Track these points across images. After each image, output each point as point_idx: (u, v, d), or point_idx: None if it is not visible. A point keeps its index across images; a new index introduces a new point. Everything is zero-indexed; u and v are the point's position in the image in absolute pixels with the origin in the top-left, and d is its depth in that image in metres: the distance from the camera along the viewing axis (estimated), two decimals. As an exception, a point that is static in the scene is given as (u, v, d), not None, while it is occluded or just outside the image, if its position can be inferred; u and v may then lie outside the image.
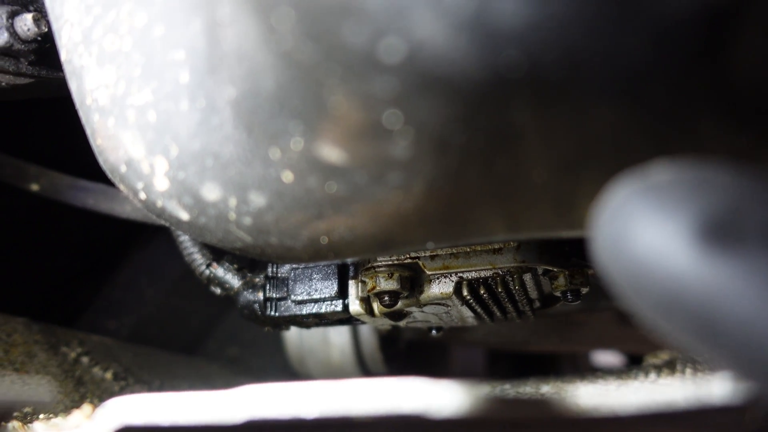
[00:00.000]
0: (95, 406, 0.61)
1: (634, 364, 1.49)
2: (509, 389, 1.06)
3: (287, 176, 0.44)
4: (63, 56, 0.54)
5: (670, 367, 0.93)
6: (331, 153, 0.39)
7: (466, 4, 0.26)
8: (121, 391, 0.94)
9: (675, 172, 0.24)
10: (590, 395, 0.37)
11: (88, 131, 0.54)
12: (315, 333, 1.32)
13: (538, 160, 0.35)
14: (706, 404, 0.35)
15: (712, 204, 0.21)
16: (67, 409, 0.73)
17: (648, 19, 0.26)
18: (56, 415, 0.61)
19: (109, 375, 0.95)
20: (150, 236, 1.45)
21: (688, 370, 0.86)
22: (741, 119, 0.31)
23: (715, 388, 0.35)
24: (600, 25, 0.26)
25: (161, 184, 0.51)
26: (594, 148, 0.33)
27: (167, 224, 0.56)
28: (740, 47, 0.27)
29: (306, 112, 0.38)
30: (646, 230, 0.22)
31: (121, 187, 0.55)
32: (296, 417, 0.39)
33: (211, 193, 0.49)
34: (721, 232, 0.21)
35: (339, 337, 1.30)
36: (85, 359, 0.95)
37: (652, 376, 0.98)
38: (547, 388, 1.06)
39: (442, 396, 0.38)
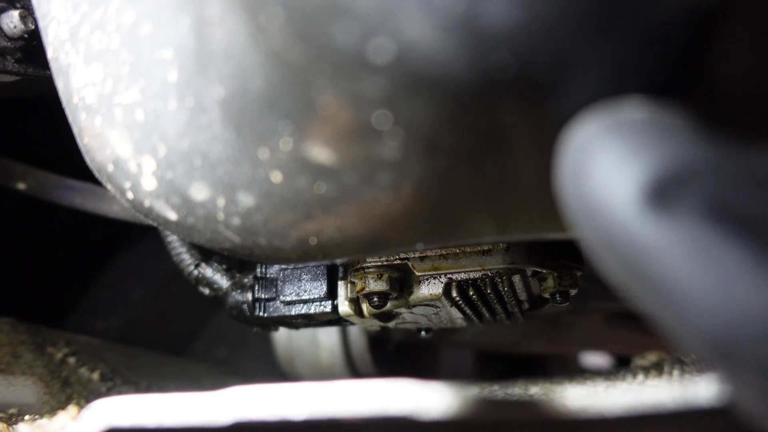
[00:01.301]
0: (81, 407, 0.60)
1: (623, 366, 1.49)
2: (498, 390, 1.06)
3: (276, 176, 0.44)
4: (49, 54, 0.53)
5: (657, 368, 0.94)
6: (321, 153, 0.39)
7: (455, 5, 0.26)
8: (109, 392, 0.93)
9: (645, 112, 0.25)
10: (578, 397, 0.37)
11: (75, 130, 0.54)
12: (304, 334, 1.32)
13: (528, 161, 0.35)
14: (693, 406, 0.35)
15: (666, 161, 0.22)
16: (53, 410, 0.72)
17: (635, 21, 0.26)
18: (42, 416, 0.60)
19: (96, 375, 0.94)
20: (138, 236, 1.44)
21: (676, 372, 0.86)
22: (728, 119, 0.31)
23: (702, 389, 0.35)
24: (588, 27, 0.26)
25: (149, 183, 0.50)
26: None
27: (155, 224, 0.56)
28: (726, 47, 0.27)
29: (295, 112, 0.37)
30: (601, 173, 0.23)
31: (109, 186, 0.54)
32: (283, 419, 0.38)
33: (199, 193, 0.49)
34: (664, 193, 0.22)
35: (328, 338, 1.30)
36: (71, 360, 0.94)
37: (640, 377, 0.98)
38: (535, 390, 1.06)
39: (430, 398, 0.38)
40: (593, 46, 0.26)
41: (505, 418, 0.37)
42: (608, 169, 0.23)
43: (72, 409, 0.57)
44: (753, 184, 0.22)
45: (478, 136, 0.33)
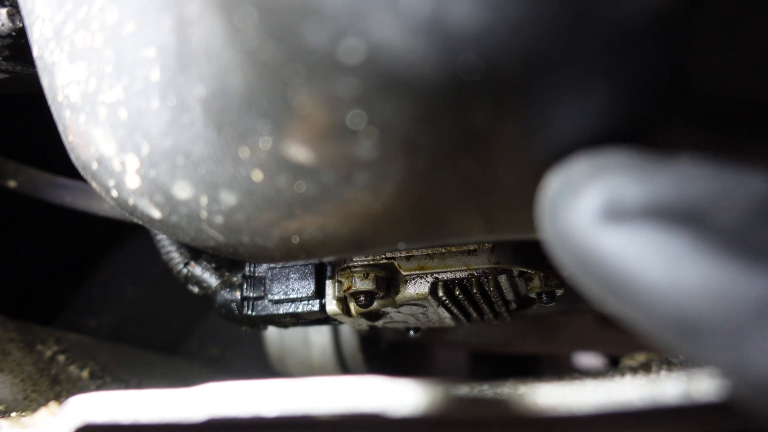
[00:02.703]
0: (61, 403, 0.60)
1: (614, 366, 1.50)
2: (487, 390, 1.07)
3: (257, 175, 0.44)
4: (35, 52, 0.54)
5: (645, 368, 0.94)
6: (299, 153, 0.39)
7: (421, 7, 0.26)
8: (98, 390, 0.94)
9: (587, 159, 0.30)
10: (550, 395, 0.37)
11: (60, 128, 0.54)
12: (295, 333, 1.32)
13: (504, 160, 0.36)
14: (661, 404, 0.35)
15: (607, 188, 0.27)
16: (38, 408, 0.73)
17: (602, 22, 0.26)
18: (26, 413, 0.60)
19: (85, 373, 0.94)
20: (130, 234, 1.44)
21: (663, 372, 0.87)
22: (701, 118, 0.31)
23: (669, 387, 0.36)
24: (554, 29, 0.26)
25: (132, 181, 0.50)
26: (556, 149, 0.34)
27: (140, 222, 0.56)
28: (694, 49, 0.28)
29: (273, 112, 0.38)
30: (565, 210, 0.28)
31: (93, 184, 0.54)
32: (257, 415, 0.39)
33: (182, 191, 0.49)
34: (612, 212, 0.26)
35: (319, 337, 1.30)
36: (61, 357, 0.94)
37: (628, 377, 0.98)
38: (524, 389, 1.06)
39: (402, 395, 0.38)
40: (558, 47, 0.27)
41: (476, 416, 0.37)
42: (568, 206, 0.28)
43: (53, 405, 0.57)
44: (679, 186, 0.25)
45: (453, 136, 0.33)
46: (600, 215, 0.26)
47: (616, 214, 0.26)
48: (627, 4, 0.25)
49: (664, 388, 0.36)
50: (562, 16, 0.26)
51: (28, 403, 0.77)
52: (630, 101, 0.29)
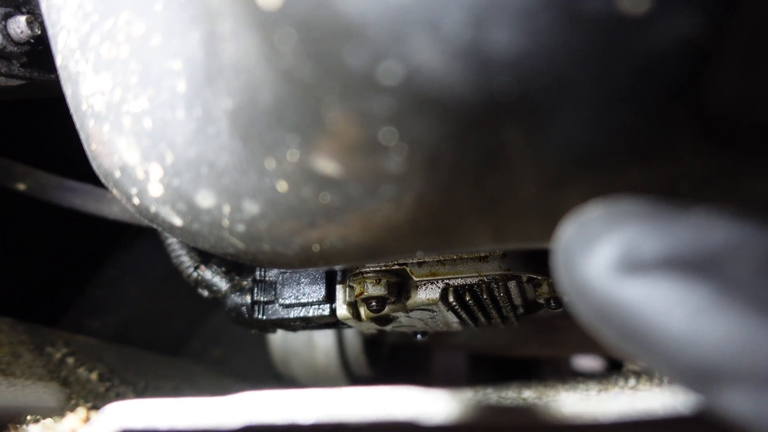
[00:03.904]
0: (88, 408, 0.61)
1: (615, 369, 1.51)
2: (492, 393, 1.08)
3: (282, 186, 0.45)
4: (59, 62, 0.54)
5: (648, 372, 0.96)
6: (327, 165, 0.40)
7: (463, 34, 0.27)
8: (107, 392, 0.94)
9: (603, 208, 0.30)
10: (574, 402, 0.39)
11: (83, 136, 0.55)
12: (299, 335, 1.33)
13: (527, 177, 0.37)
14: (682, 413, 0.36)
15: (622, 239, 0.27)
16: (53, 411, 0.73)
17: (631, 53, 0.27)
18: (44, 416, 0.61)
19: (94, 375, 0.95)
20: (135, 235, 1.45)
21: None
22: (717, 144, 0.32)
23: (690, 397, 0.37)
24: (586, 57, 0.28)
25: (155, 190, 0.51)
26: (579, 167, 0.35)
27: (159, 229, 0.57)
28: (716, 79, 0.29)
29: (303, 126, 0.39)
30: (582, 260, 0.29)
31: (115, 192, 0.55)
32: (292, 422, 0.40)
33: (205, 200, 0.50)
34: (629, 263, 0.27)
35: (323, 339, 1.31)
36: (70, 360, 0.95)
37: (632, 381, 1.00)
38: (529, 393, 1.08)
39: (434, 403, 0.39)
40: (591, 75, 0.28)
41: (505, 423, 0.38)
42: (584, 257, 0.28)
43: (81, 411, 0.58)
44: (697, 236, 0.26)
45: (480, 153, 0.34)
46: (618, 266, 0.27)
47: (635, 266, 0.26)
48: (657, 34, 0.26)
49: (687, 397, 0.37)
50: (594, 44, 0.27)
51: (42, 406, 0.77)
52: (652, 124, 0.31)
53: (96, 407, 0.76)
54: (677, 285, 0.25)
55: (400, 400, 0.39)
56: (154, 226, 0.57)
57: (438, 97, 0.30)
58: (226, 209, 0.49)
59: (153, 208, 0.53)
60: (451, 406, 0.39)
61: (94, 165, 0.55)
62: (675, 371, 0.25)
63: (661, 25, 0.26)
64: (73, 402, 0.85)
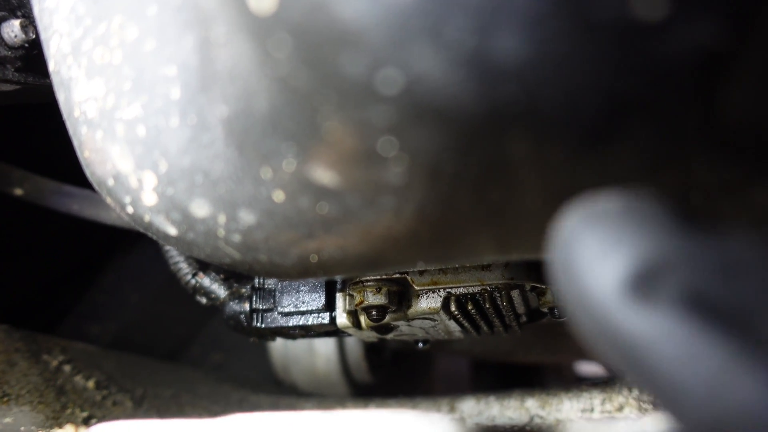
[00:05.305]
0: (77, 425, 0.60)
1: (617, 377, 1.49)
2: (494, 401, 1.06)
3: (278, 196, 0.44)
4: (51, 67, 0.53)
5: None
6: (324, 175, 0.39)
7: (467, 41, 0.26)
8: (104, 400, 0.93)
9: (623, 202, 0.26)
10: (582, 430, 0.37)
11: (76, 143, 0.53)
12: (300, 341, 1.32)
13: (532, 189, 0.36)
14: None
15: (643, 253, 0.23)
16: (47, 420, 0.72)
17: (645, 61, 0.26)
18: (37, 429, 0.60)
19: (91, 384, 0.94)
20: (134, 241, 1.44)
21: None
22: (730, 156, 0.31)
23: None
24: (597, 65, 0.26)
25: (149, 199, 0.50)
26: (588, 178, 0.33)
27: (154, 238, 0.56)
28: (731, 89, 0.27)
29: (299, 135, 0.37)
30: (584, 267, 0.25)
31: (108, 200, 0.54)
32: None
33: (200, 209, 0.48)
34: (644, 284, 0.23)
35: (324, 345, 1.30)
36: (67, 367, 0.93)
37: (635, 390, 0.98)
38: (531, 401, 1.06)
39: (433, 429, 0.38)
40: (602, 85, 0.26)
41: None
42: (590, 263, 0.25)
43: (69, 428, 0.57)
44: (727, 273, 0.22)
45: (483, 164, 0.33)
46: (630, 287, 0.23)
47: (650, 289, 0.23)
48: (674, 42, 0.25)
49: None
50: (605, 53, 0.26)
51: (35, 415, 0.76)
52: (665, 136, 0.29)
53: (91, 418, 0.75)
54: (701, 334, 0.22)
55: (399, 425, 0.38)
56: (149, 235, 0.56)
57: (440, 106, 0.29)
58: (222, 219, 0.48)
59: (147, 217, 0.52)
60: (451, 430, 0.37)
61: (88, 172, 0.54)
62: (683, 415, 0.22)
63: (679, 33, 0.25)
64: (69, 411, 0.84)
